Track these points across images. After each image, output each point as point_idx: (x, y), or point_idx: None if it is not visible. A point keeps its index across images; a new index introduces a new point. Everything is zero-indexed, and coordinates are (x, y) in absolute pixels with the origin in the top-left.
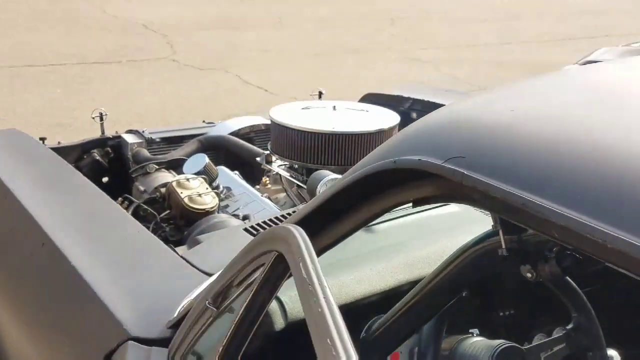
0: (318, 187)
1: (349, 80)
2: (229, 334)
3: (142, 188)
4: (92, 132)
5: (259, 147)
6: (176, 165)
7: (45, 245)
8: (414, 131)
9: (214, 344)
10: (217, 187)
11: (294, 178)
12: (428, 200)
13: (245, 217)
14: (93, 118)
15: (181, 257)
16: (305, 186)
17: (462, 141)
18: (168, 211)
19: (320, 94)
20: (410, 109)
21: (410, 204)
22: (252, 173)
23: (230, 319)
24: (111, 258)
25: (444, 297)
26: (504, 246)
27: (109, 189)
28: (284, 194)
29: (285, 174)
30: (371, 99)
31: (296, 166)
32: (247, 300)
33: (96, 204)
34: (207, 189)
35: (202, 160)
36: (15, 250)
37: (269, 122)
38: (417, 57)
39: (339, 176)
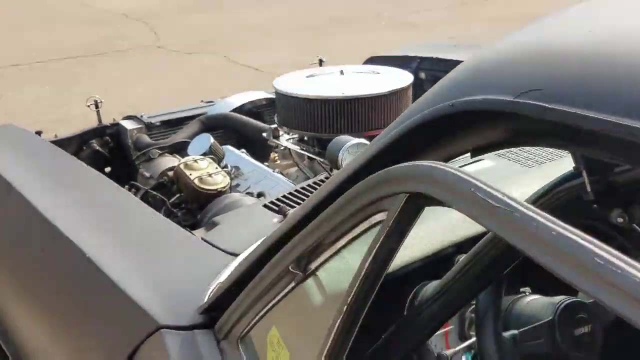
0: (340, 154)
1: (341, 52)
2: (355, 289)
3: (147, 174)
4: (86, 126)
5: (262, 122)
6: (180, 149)
7: (57, 240)
8: (471, 69)
9: (310, 306)
10: (225, 167)
11: (305, 150)
12: (490, 147)
13: (260, 195)
14: (88, 106)
15: (202, 239)
16: (317, 158)
17: (535, 71)
18: (178, 195)
19: (321, 61)
20: (418, 68)
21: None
22: (257, 150)
23: (329, 280)
24: (129, 247)
25: (509, 256)
26: (589, 190)
27: (112, 179)
28: (295, 168)
29: (294, 147)
30: (376, 62)
31: (306, 138)
32: (374, 252)
33: (105, 193)
34: (216, 168)
35: (207, 140)
36: (26, 248)
37: (270, 96)
38: (408, 22)
39: (363, 141)
